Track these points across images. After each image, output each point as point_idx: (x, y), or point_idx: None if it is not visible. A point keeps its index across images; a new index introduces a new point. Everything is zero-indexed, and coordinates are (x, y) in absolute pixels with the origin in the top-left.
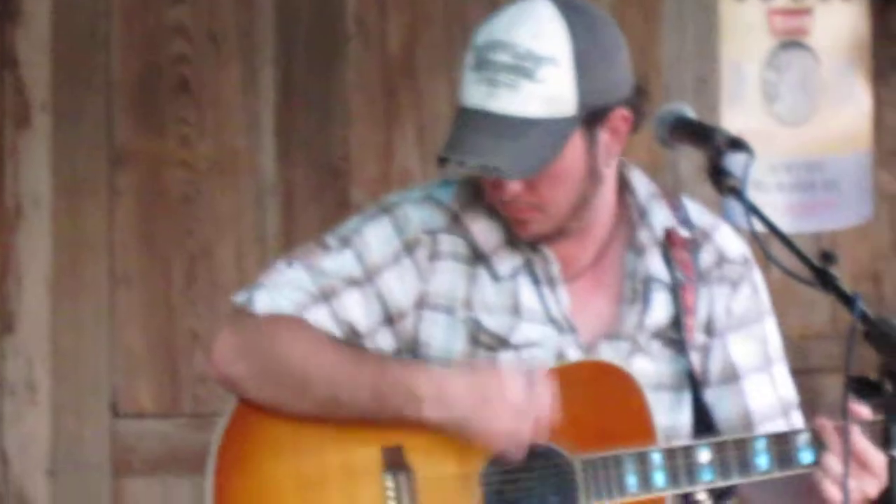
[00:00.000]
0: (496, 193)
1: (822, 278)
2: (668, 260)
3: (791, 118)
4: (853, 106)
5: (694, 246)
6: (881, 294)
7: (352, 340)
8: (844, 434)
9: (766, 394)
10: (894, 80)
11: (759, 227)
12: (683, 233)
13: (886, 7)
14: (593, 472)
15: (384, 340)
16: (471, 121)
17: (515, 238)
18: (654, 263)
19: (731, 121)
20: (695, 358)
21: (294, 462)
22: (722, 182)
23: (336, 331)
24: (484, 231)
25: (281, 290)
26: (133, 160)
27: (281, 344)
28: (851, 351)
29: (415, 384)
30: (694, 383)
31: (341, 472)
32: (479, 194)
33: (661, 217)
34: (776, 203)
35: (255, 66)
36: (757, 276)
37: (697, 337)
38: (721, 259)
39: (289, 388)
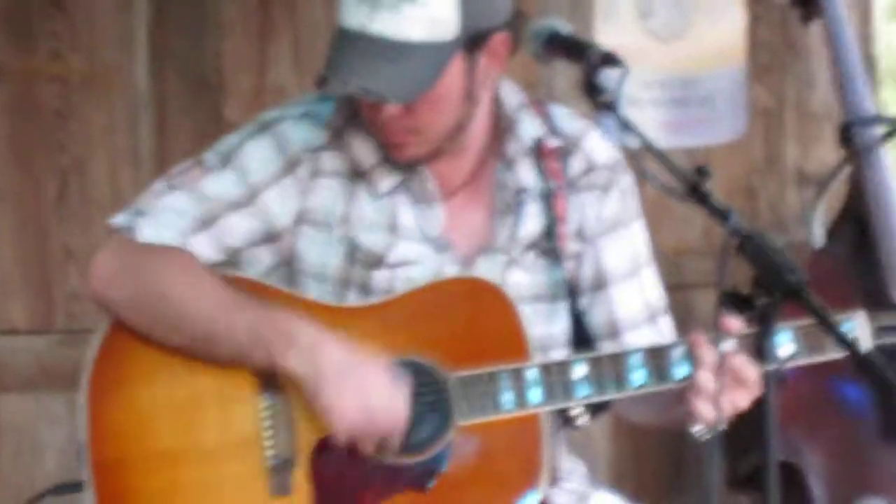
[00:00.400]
0: (374, 116)
1: (696, 193)
2: (539, 170)
3: (665, 34)
4: (727, 21)
5: (564, 153)
6: (755, 209)
7: (233, 260)
8: (700, 334)
9: (633, 300)
10: None
11: (633, 142)
12: (553, 142)
13: None
14: (468, 389)
15: (264, 256)
16: (350, 43)
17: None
18: (525, 174)
19: (605, 36)
20: (569, 266)
21: (168, 383)
22: (596, 97)
23: (218, 255)
24: (363, 148)
25: (163, 219)
26: (4, 76)
27: (162, 277)
28: (725, 265)
29: (295, 331)
30: (570, 292)
31: (216, 394)
32: (358, 111)
33: (529, 127)
34: (650, 119)
35: None
36: (626, 180)
37: (571, 245)
38: (590, 165)
39: (165, 321)
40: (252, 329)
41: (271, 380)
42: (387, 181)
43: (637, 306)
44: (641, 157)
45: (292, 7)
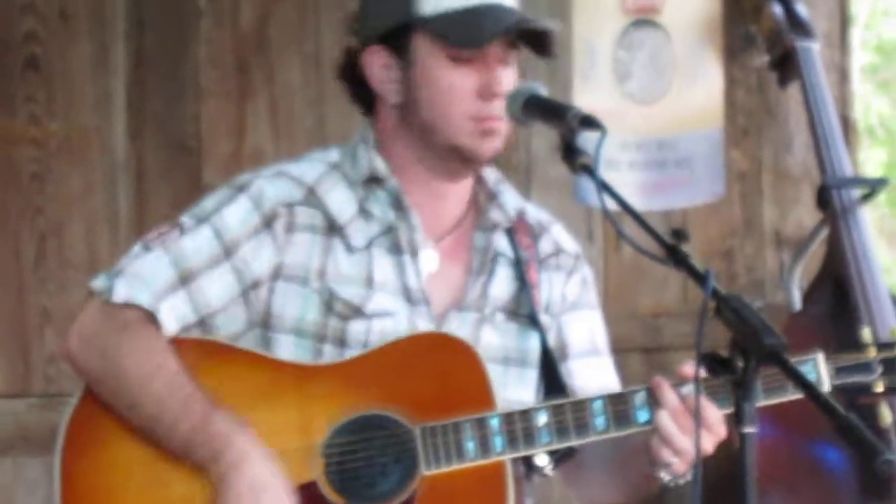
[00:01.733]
0: (494, 88)
1: (674, 255)
2: (512, 240)
3: (643, 97)
4: (705, 84)
5: (534, 233)
6: (733, 272)
7: (206, 322)
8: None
9: (590, 377)
10: (746, 58)
11: (611, 204)
12: (529, 218)
13: None
14: (433, 439)
15: (238, 314)
16: (490, 10)
17: (369, 209)
18: (501, 241)
19: (583, 99)
20: (550, 335)
21: (138, 445)
22: (574, 160)
23: (193, 315)
24: (339, 202)
25: (140, 279)
26: None
27: (126, 359)
28: (703, 327)
29: (224, 447)
30: (546, 361)
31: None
32: (334, 168)
33: (511, 199)
34: (628, 181)
35: (106, 43)
36: (588, 272)
37: (543, 315)
38: (558, 249)
39: (120, 399)
40: (191, 437)
41: None
42: (362, 234)
43: (596, 384)
44: (619, 220)
45: (270, 71)
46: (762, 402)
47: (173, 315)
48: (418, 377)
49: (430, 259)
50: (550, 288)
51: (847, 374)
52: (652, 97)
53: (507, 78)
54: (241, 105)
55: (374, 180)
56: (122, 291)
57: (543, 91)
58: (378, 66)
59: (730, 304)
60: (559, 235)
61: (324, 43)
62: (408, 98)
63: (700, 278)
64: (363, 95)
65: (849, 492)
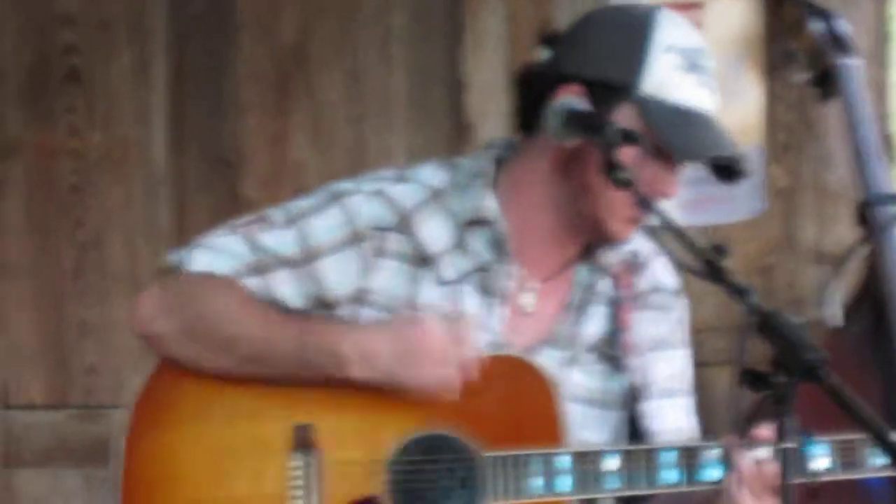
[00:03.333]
0: (667, 191)
1: (714, 271)
2: (613, 277)
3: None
4: (745, 101)
5: (635, 269)
6: (772, 288)
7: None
8: (735, 437)
9: (668, 419)
10: (786, 75)
11: (651, 219)
12: (633, 253)
13: (779, 2)
14: (500, 470)
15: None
16: (705, 122)
17: (467, 243)
18: (603, 279)
19: None
20: (633, 377)
21: (206, 431)
22: (616, 174)
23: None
24: (434, 233)
25: (220, 254)
26: (22, 151)
27: (211, 301)
28: (743, 343)
29: (338, 346)
30: (628, 402)
31: (251, 445)
32: (436, 196)
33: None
34: None
35: (147, 56)
36: (684, 309)
37: (632, 357)
38: (656, 287)
39: (213, 344)
40: (299, 348)
41: (304, 437)
42: (454, 268)
43: (672, 426)
44: (660, 235)
45: (309, 85)
46: (839, 477)
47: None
48: (491, 400)
49: (528, 304)
50: (644, 327)
51: None
52: None
53: (677, 182)
54: (281, 120)
55: (479, 222)
56: (203, 261)
57: (583, 106)
58: None
59: (769, 320)
60: (659, 271)
61: (364, 59)
62: (582, 153)
63: (740, 294)
64: (529, 115)
65: None
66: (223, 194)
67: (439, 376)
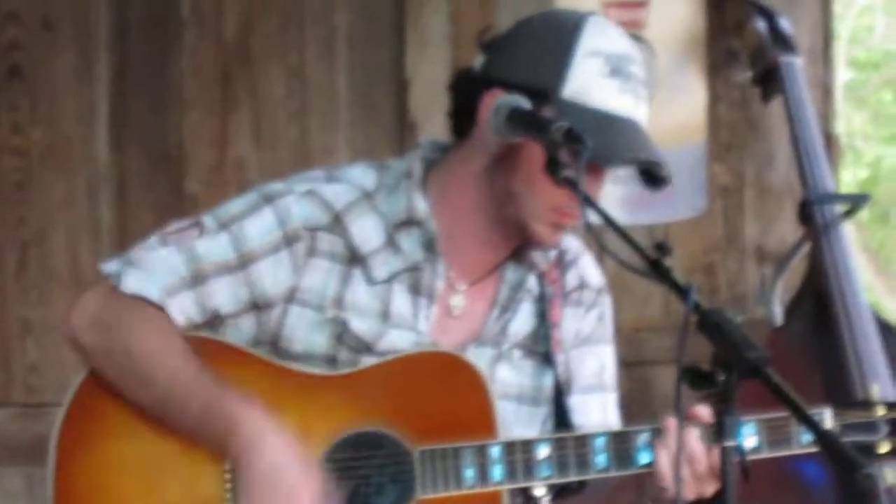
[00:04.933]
0: (591, 194)
1: (657, 269)
2: (541, 275)
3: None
4: (688, 99)
5: (563, 266)
6: (714, 286)
7: (213, 324)
8: (678, 426)
9: (592, 414)
10: (729, 73)
11: (593, 218)
12: (563, 255)
13: (722, 0)
14: (431, 463)
15: (246, 324)
16: (625, 128)
17: (398, 243)
18: (530, 277)
19: None
20: (559, 371)
21: (136, 443)
22: (558, 173)
23: (199, 316)
24: (365, 233)
25: (151, 273)
26: None
27: (135, 335)
28: (685, 341)
29: (240, 422)
30: (557, 396)
31: (183, 456)
32: (366, 197)
33: None
34: (610, 195)
35: (90, 53)
36: (607, 306)
37: (559, 353)
38: (582, 284)
39: (130, 376)
40: (203, 413)
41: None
42: (385, 268)
43: (595, 421)
44: (602, 233)
45: (253, 82)
46: (766, 455)
47: (181, 312)
48: (422, 396)
49: (456, 307)
50: (569, 323)
51: (853, 431)
52: None
53: (601, 187)
54: (224, 116)
55: (408, 222)
56: (132, 283)
57: (526, 104)
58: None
59: (712, 318)
60: (585, 269)
61: (307, 56)
62: (506, 157)
63: (682, 292)
64: (461, 120)
65: None
66: (166, 191)
67: None
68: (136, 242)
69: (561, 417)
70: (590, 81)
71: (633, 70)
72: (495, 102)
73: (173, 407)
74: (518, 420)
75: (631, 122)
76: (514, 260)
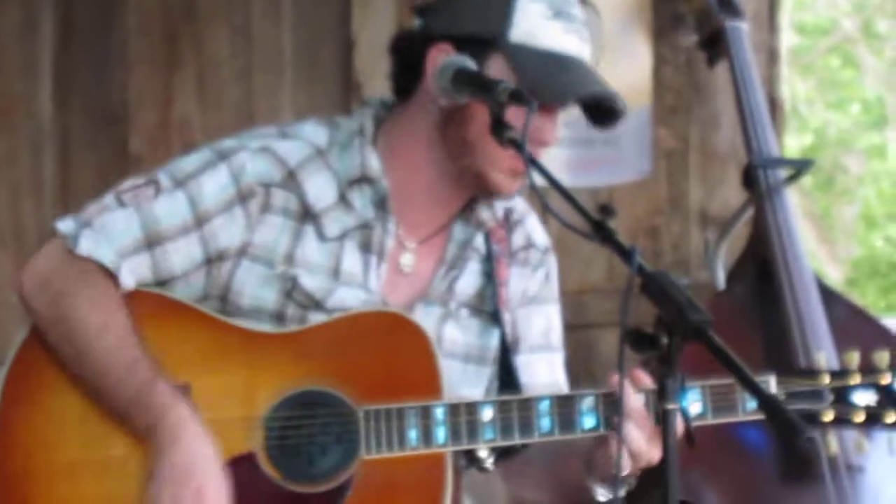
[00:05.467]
0: (545, 136)
1: (600, 231)
2: (487, 233)
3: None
4: (633, 62)
5: (509, 226)
6: (658, 249)
7: (164, 284)
8: (620, 387)
9: (541, 373)
10: (674, 37)
11: (538, 180)
12: (510, 214)
13: None
14: (376, 423)
15: (196, 279)
16: (574, 66)
17: (351, 200)
18: (477, 235)
19: None
20: (507, 330)
21: (79, 396)
22: (502, 134)
23: (152, 278)
24: (318, 189)
25: (107, 235)
26: None
27: (81, 309)
28: (628, 303)
29: (162, 417)
30: (503, 355)
31: None
32: (319, 154)
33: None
34: (555, 157)
35: (34, 10)
36: (553, 266)
37: (506, 312)
38: (529, 243)
39: (67, 347)
40: (133, 400)
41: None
42: (337, 225)
43: (543, 380)
44: (546, 195)
45: (197, 41)
46: (711, 421)
47: (133, 275)
48: (368, 356)
49: (406, 265)
50: (516, 282)
51: (798, 399)
52: None
53: (556, 129)
54: (169, 75)
55: (361, 179)
56: (86, 245)
57: (472, 64)
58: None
59: (655, 281)
60: (532, 229)
61: (253, 15)
62: (458, 109)
63: (626, 254)
64: (405, 80)
65: (770, 471)
66: (109, 150)
67: None
68: (79, 201)
69: (507, 377)
70: (535, 24)
71: (575, 12)
72: (440, 63)
73: (106, 387)
74: (464, 379)
75: (579, 61)
76: (462, 219)
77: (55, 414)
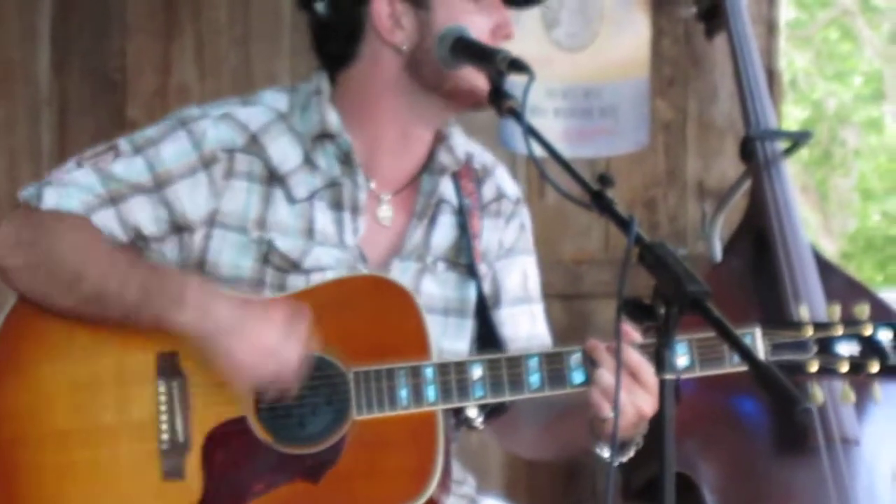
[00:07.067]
0: (508, 29)
1: (598, 201)
2: (458, 186)
3: (570, 44)
4: (632, 33)
5: (478, 178)
6: (655, 221)
7: (137, 244)
8: (617, 354)
9: (522, 325)
10: (672, 9)
11: (536, 150)
12: (475, 162)
13: None
14: (366, 384)
15: (170, 248)
16: None
17: (315, 160)
18: (447, 187)
19: (510, 45)
20: (485, 283)
21: (68, 365)
22: (501, 103)
23: (121, 234)
24: (282, 152)
25: (69, 190)
26: None
27: (60, 239)
28: (626, 273)
29: (183, 289)
30: (481, 309)
31: (115, 376)
32: (280, 118)
33: (461, 142)
34: (553, 128)
35: None
36: (526, 216)
37: (482, 265)
38: (500, 195)
39: (60, 281)
40: (142, 287)
41: (169, 364)
42: (304, 186)
43: (525, 333)
44: (545, 165)
45: (196, 7)
46: (698, 373)
47: (103, 227)
48: (355, 319)
49: (385, 217)
50: (490, 235)
51: (783, 351)
52: (579, 45)
53: (508, 27)
54: (167, 42)
55: (323, 136)
56: (52, 199)
57: (471, 34)
58: (386, 15)
59: (653, 251)
60: (502, 180)
61: None
62: (421, 44)
63: (624, 224)
64: (339, 46)
65: (764, 442)
66: (107, 116)
67: (253, 366)
68: None
69: (488, 331)
70: None
71: None
72: (440, 32)
73: (109, 297)
74: (446, 332)
75: None
76: (427, 171)
77: (44, 383)
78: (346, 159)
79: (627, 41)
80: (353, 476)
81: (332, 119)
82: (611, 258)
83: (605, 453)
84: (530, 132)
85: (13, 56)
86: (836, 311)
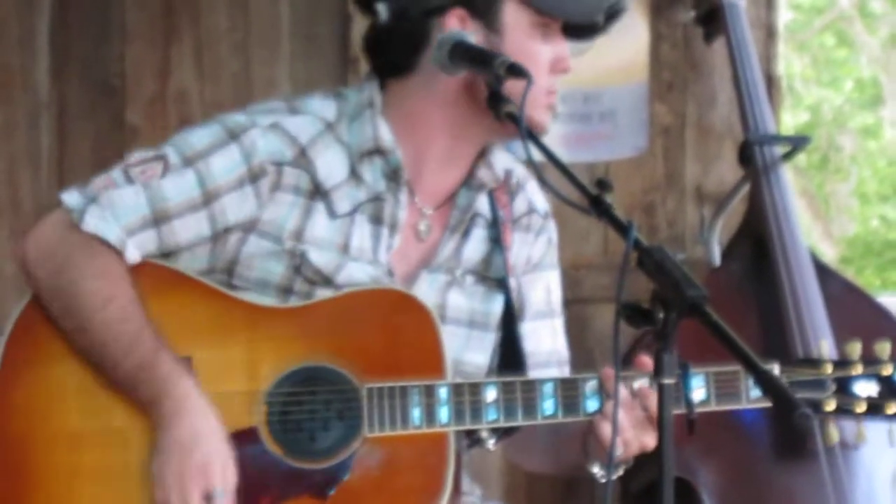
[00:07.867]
0: (566, 63)
1: (597, 206)
2: (492, 199)
3: (568, 49)
4: (630, 38)
5: (511, 191)
6: (654, 226)
7: (169, 254)
8: (615, 360)
9: (543, 340)
10: (671, 14)
11: (535, 154)
12: (512, 178)
13: None
14: (378, 400)
15: (201, 251)
16: None
17: (361, 174)
18: (482, 200)
19: None
20: (514, 296)
21: (81, 365)
22: (500, 107)
23: (157, 253)
24: (329, 166)
25: (113, 212)
26: None
27: (82, 278)
28: (624, 278)
29: (165, 393)
30: (506, 322)
31: None
32: (328, 128)
33: (501, 158)
34: (552, 133)
35: None
36: (553, 231)
37: (511, 278)
38: (531, 209)
39: (68, 318)
40: (136, 373)
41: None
42: (348, 201)
43: (546, 347)
44: (543, 170)
45: (195, 13)
46: (713, 408)
47: (138, 251)
48: (371, 332)
49: (423, 231)
50: (519, 249)
51: (800, 388)
52: (577, 50)
53: (566, 62)
54: (166, 47)
55: (373, 152)
56: (92, 223)
57: (470, 38)
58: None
59: (652, 256)
60: (532, 194)
61: None
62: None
63: (622, 229)
64: (399, 56)
65: (764, 447)
66: (106, 122)
67: (164, 500)
68: (76, 173)
69: (511, 344)
70: None
71: None
72: (438, 38)
73: (108, 359)
74: (468, 345)
75: None
76: (465, 185)
77: (55, 383)
78: (393, 175)
79: (626, 46)
80: (361, 494)
81: (386, 135)
82: (609, 263)
83: (597, 470)
84: (529, 136)
85: (12, 61)
86: (857, 348)
